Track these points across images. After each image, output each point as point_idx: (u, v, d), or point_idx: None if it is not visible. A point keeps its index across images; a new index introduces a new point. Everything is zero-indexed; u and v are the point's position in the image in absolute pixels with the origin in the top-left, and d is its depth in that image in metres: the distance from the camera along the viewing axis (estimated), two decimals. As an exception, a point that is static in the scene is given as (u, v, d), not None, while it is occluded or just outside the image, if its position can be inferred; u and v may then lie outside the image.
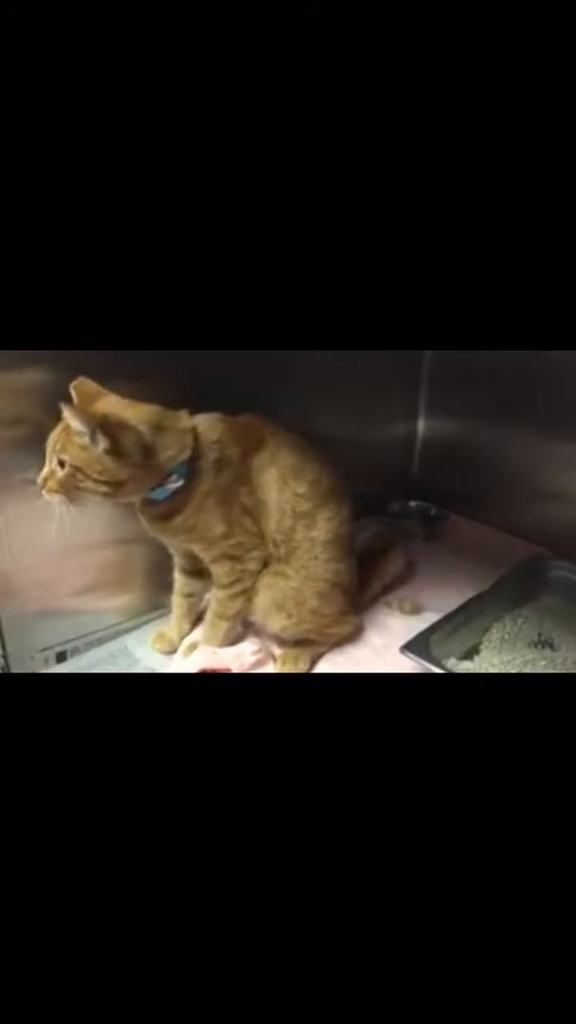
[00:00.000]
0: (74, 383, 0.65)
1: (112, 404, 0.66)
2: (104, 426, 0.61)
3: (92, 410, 0.63)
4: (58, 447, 0.63)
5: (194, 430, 0.69)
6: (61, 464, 0.63)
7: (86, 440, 0.62)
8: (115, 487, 0.64)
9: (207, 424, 0.71)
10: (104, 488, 0.64)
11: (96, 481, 0.63)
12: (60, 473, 0.63)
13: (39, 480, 0.64)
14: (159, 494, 0.68)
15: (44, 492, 0.64)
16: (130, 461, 0.64)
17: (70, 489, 0.63)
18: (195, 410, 0.72)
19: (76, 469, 0.63)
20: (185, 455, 0.67)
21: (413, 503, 1.15)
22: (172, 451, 0.67)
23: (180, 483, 0.68)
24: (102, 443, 0.62)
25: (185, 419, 0.69)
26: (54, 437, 0.64)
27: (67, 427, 0.62)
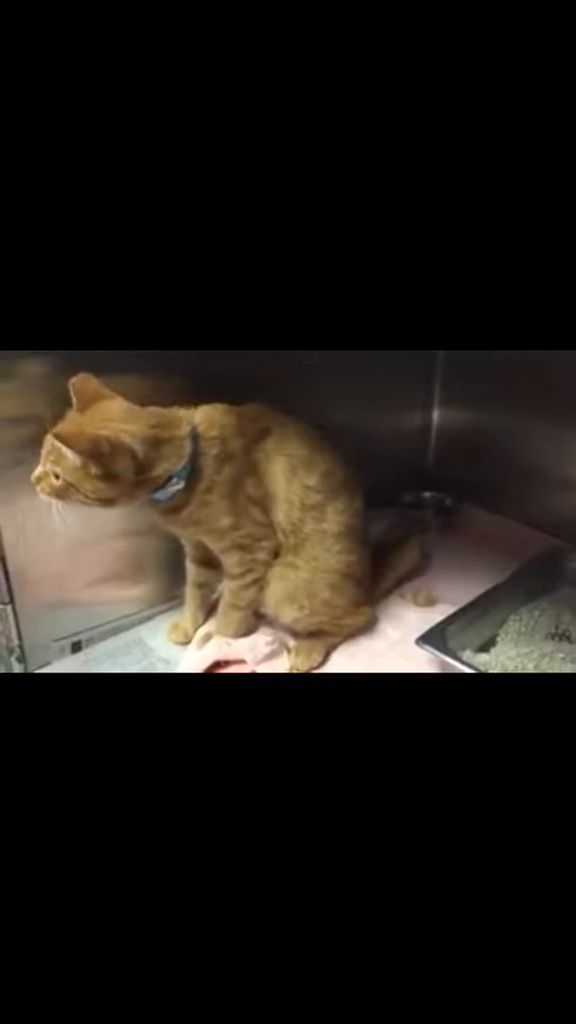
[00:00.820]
0: (74, 380, 0.64)
1: (112, 412, 0.64)
2: (95, 455, 0.60)
3: (86, 429, 0.61)
4: (52, 459, 0.62)
5: (193, 430, 0.67)
6: (56, 475, 0.62)
7: (78, 463, 0.61)
8: (108, 502, 0.64)
9: (207, 418, 0.69)
10: (96, 504, 0.63)
11: (88, 498, 0.63)
12: (54, 481, 0.63)
13: (32, 478, 0.64)
14: (161, 495, 0.67)
15: (37, 490, 0.64)
16: (123, 481, 0.63)
17: (63, 495, 0.63)
18: (202, 399, 0.72)
19: (68, 484, 0.62)
20: (183, 462, 0.66)
21: (428, 494, 1.14)
22: (168, 463, 0.65)
23: (181, 485, 0.67)
24: (94, 470, 0.61)
25: (184, 424, 0.67)
26: (49, 444, 0.62)
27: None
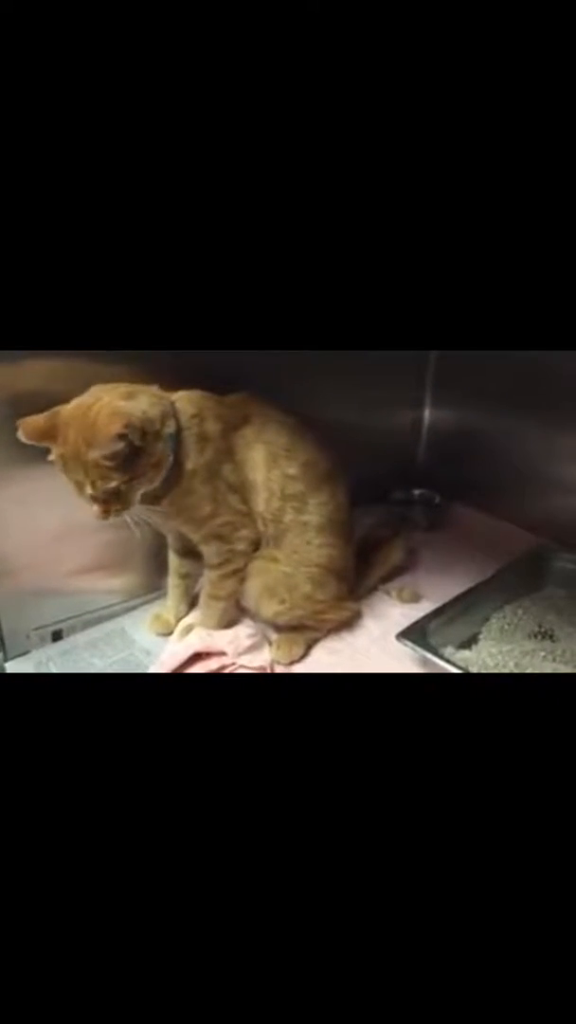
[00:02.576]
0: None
1: (105, 395, 0.63)
2: (134, 430, 0.60)
3: (107, 422, 0.60)
4: (98, 485, 0.61)
5: (173, 406, 0.67)
6: (115, 494, 0.62)
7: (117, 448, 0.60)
8: (155, 473, 0.64)
9: (185, 398, 0.70)
10: (146, 485, 0.64)
11: (144, 476, 0.63)
12: (111, 486, 0.61)
13: (94, 514, 0.63)
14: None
15: (100, 515, 0.63)
16: (152, 456, 0.63)
17: (126, 499, 0.63)
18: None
19: (125, 481, 0.62)
20: (171, 424, 0.65)
21: (417, 491, 1.14)
22: (166, 425, 0.65)
23: (171, 459, 0.66)
24: (137, 443, 0.61)
25: (165, 400, 0.67)
26: (82, 479, 0.61)
27: (94, 462, 0.60)
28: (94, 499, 0.62)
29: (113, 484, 0.61)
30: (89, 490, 0.62)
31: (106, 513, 0.63)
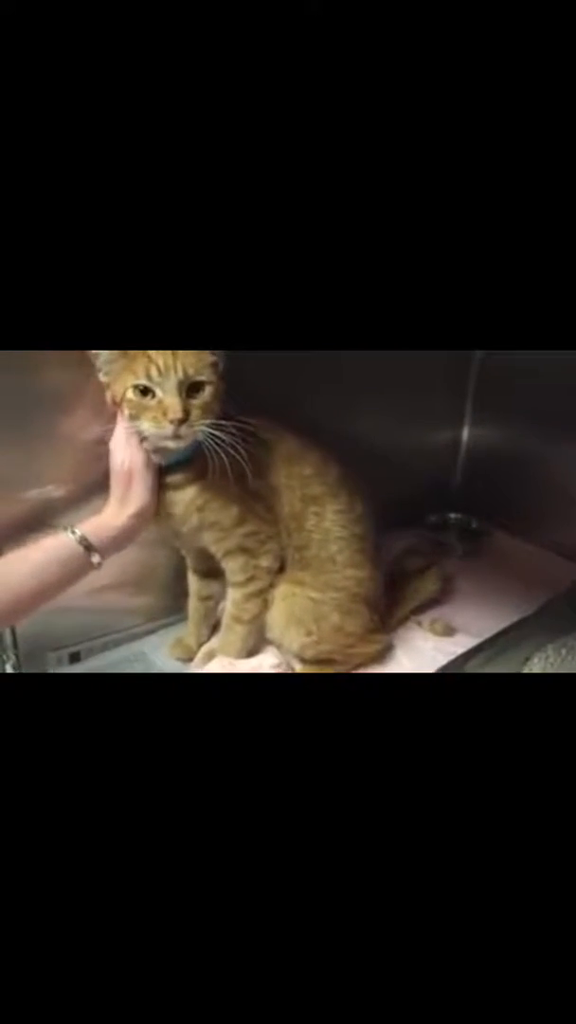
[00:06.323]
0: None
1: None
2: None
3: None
4: (192, 371, 0.57)
5: None
6: (198, 387, 0.59)
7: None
8: (217, 405, 0.61)
9: None
10: (215, 412, 0.60)
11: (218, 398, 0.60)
12: (204, 396, 0.59)
13: (170, 428, 0.58)
14: (183, 453, 0.63)
15: (183, 434, 0.58)
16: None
17: (209, 412, 0.59)
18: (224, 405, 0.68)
19: (212, 384, 0.59)
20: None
21: (453, 515, 1.09)
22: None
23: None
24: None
25: None
26: (173, 361, 0.57)
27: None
28: (172, 407, 0.57)
29: (205, 377, 0.59)
30: (173, 389, 0.57)
31: (182, 422, 0.58)
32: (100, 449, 0.64)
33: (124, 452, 0.62)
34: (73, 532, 0.60)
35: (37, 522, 0.68)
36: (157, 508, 0.65)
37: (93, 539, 0.60)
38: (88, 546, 0.60)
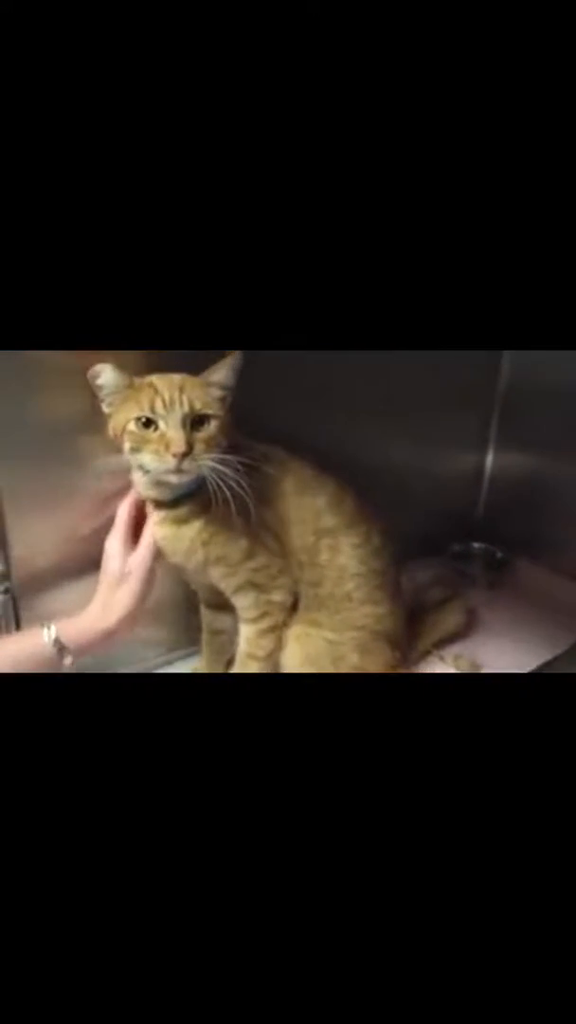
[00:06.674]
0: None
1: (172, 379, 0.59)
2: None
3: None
4: (198, 405, 0.56)
5: None
6: (203, 420, 0.57)
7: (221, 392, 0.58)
8: (223, 438, 0.59)
9: None
10: (220, 445, 0.58)
11: (221, 432, 0.59)
12: (209, 430, 0.57)
13: (172, 462, 0.55)
14: (186, 487, 0.61)
15: (185, 468, 0.56)
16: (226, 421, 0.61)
17: (213, 446, 0.57)
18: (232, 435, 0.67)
19: (217, 418, 0.58)
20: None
21: (477, 545, 1.06)
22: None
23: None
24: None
25: None
26: (179, 395, 0.56)
27: (196, 380, 0.58)
28: (175, 441, 0.55)
29: (211, 411, 0.57)
30: (177, 422, 0.56)
31: (185, 455, 0.55)
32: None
33: (118, 560, 0.63)
34: (49, 631, 0.60)
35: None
36: (163, 544, 0.64)
37: (68, 642, 0.61)
38: (62, 648, 0.60)
